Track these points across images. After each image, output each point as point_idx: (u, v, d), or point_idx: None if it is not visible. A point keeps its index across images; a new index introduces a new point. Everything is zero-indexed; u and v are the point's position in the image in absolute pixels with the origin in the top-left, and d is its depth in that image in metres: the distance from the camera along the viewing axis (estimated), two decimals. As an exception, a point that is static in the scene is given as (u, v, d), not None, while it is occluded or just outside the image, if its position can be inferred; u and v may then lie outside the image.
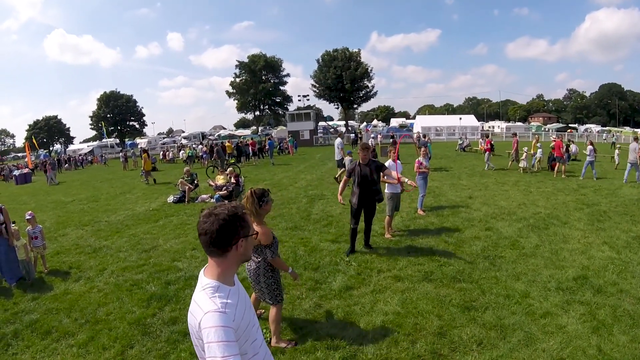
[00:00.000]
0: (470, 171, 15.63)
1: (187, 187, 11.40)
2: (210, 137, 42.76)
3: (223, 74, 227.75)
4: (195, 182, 12.11)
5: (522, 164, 15.17)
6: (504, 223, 7.53)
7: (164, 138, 61.54)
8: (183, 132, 72.23)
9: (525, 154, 15.08)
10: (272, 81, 53.09)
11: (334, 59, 48.99)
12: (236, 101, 54.67)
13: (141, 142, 54.31)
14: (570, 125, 63.97)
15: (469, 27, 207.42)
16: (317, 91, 52.78)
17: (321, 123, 58.39)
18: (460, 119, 54.58)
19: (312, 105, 47.89)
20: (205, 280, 1.47)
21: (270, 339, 3.57)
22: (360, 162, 5.74)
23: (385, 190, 6.70)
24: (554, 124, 68.34)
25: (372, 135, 32.97)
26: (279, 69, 53.55)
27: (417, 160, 8.72)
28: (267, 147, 25.12)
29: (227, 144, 24.74)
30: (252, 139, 27.51)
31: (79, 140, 78.68)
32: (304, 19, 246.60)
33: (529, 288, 4.61)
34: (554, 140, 16.49)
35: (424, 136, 21.88)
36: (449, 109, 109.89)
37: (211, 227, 1.43)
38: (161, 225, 8.69)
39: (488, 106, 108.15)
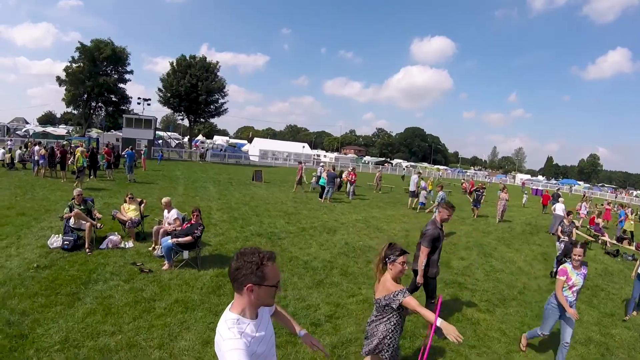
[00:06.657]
0: (385, 201, 16.16)
1: (87, 224, 7.24)
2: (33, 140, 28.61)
3: (32, 56, 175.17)
4: (94, 213, 7.90)
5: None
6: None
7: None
8: (-23, 123, 50.14)
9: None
10: (114, 76, 43.03)
11: (190, 66, 44.11)
12: (67, 92, 41.73)
13: None
14: (384, 159, 78.20)
15: (296, 59, 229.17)
16: (164, 97, 46.25)
17: (161, 133, 51.48)
18: (303, 147, 58.95)
19: (137, 113, 40.65)
20: (227, 314, 1.64)
21: None
22: (440, 224, 4.86)
23: None
24: (370, 157, 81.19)
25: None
26: (125, 64, 44.06)
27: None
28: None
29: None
30: (106, 146, 20.75)
31: None
32: (136, 12, 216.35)
33: None
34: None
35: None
36: (270, 134, 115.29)
37: (232, 264, 1.62)
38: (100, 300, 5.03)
39: (305, 135, 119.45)
